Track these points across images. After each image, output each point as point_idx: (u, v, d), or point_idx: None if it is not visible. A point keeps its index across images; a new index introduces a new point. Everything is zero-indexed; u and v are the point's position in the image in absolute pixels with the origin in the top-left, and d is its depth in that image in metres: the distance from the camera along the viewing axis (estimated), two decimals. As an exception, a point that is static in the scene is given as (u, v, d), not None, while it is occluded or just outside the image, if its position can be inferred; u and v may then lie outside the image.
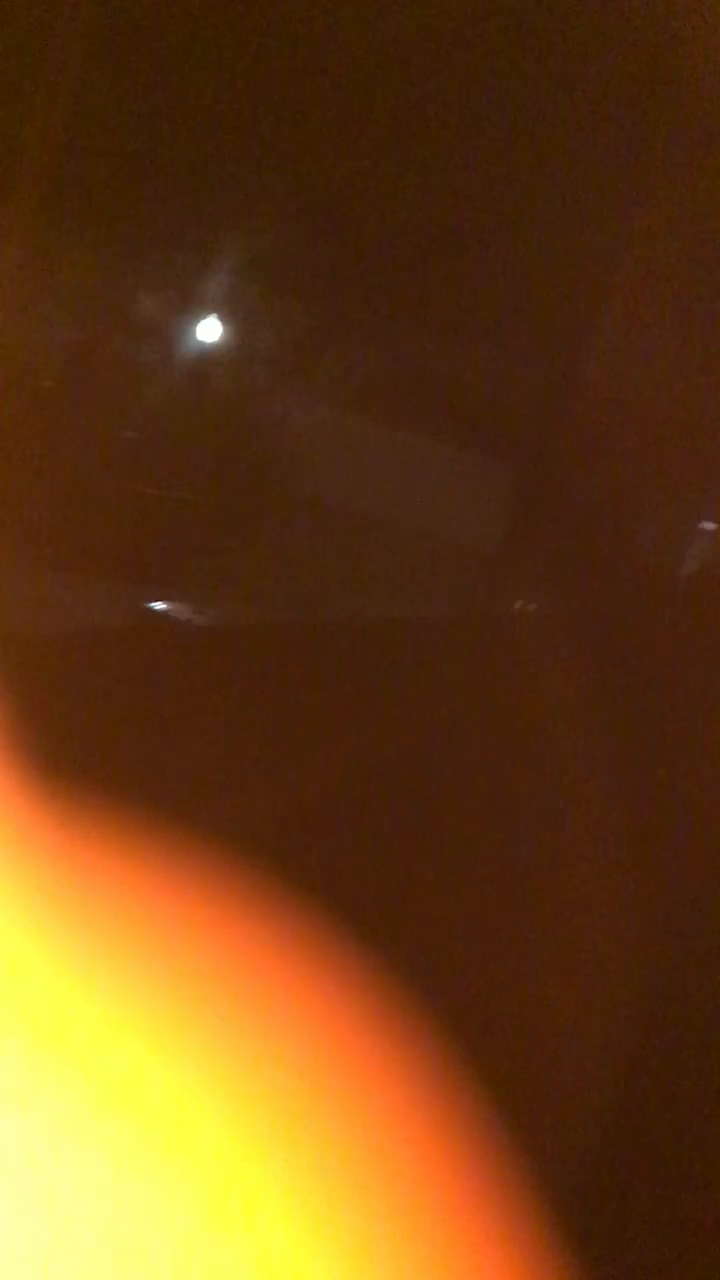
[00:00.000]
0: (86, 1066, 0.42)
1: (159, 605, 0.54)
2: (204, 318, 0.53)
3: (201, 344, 0.54)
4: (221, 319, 0.54)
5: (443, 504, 0.55)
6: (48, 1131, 0.40)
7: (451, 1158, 0.44)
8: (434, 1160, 0.44)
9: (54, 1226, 0.39)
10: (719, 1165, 0.46)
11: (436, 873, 0.51)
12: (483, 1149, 0.45)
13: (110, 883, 0.45)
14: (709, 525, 0.53)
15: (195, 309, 0.53)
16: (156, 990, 0.44)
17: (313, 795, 0.48)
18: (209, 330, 0.54)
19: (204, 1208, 0.41)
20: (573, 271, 0.53)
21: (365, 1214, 0.42)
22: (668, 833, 0.50)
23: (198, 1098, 0.42)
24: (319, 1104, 0.43)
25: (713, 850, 0.50)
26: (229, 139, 0.53)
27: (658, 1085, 0.48)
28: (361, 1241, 0.42)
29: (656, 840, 0.50)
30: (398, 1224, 0.43)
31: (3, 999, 0.42)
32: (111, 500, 0.53)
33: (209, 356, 0.54)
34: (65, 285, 0.53)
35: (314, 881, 0.45)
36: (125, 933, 0.45)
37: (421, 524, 0.55)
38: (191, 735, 0.48)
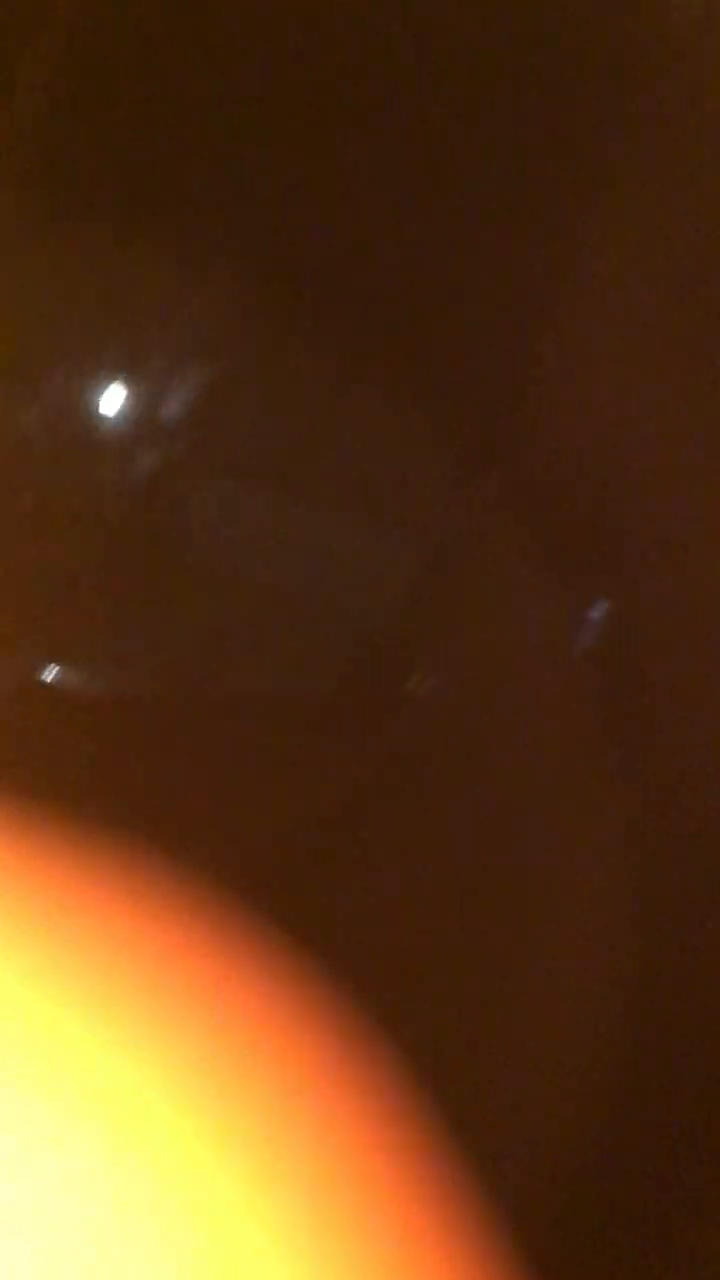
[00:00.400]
0: (75, 1091, 0.43)
1: (50, 675, 0.53)
2: (106, 386, 0.53)
3: (103, 413, 0.53)
4: (124, 388, 0.53)
5: (343, 580, 0.55)
6: (37, 1158, 0.42)
7: (436, 1194, 0.45)
8: (422, 1197, 0.45)
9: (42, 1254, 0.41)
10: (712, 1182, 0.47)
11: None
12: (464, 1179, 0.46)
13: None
14: (598, 610, 0.53)
15: (98, 376, 0.53)
16: (136, 1012, 0.45)
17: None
18: (111, 399, 0.53)
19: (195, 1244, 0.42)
20: (502, 354, 0.52)
21: (355, 1245, 0.43)
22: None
23: (186, 1129, 0.43)
24: (307, 1134, 0.44)
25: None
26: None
27: (649, 1099, 0.49)
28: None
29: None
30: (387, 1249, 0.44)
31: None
32: (4, 567, 0.53)
33: (109, 426, 0.53)
34: None
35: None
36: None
37: (320, 599, 0.55)
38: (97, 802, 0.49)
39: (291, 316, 0.53)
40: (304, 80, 0.49)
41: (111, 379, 0.54)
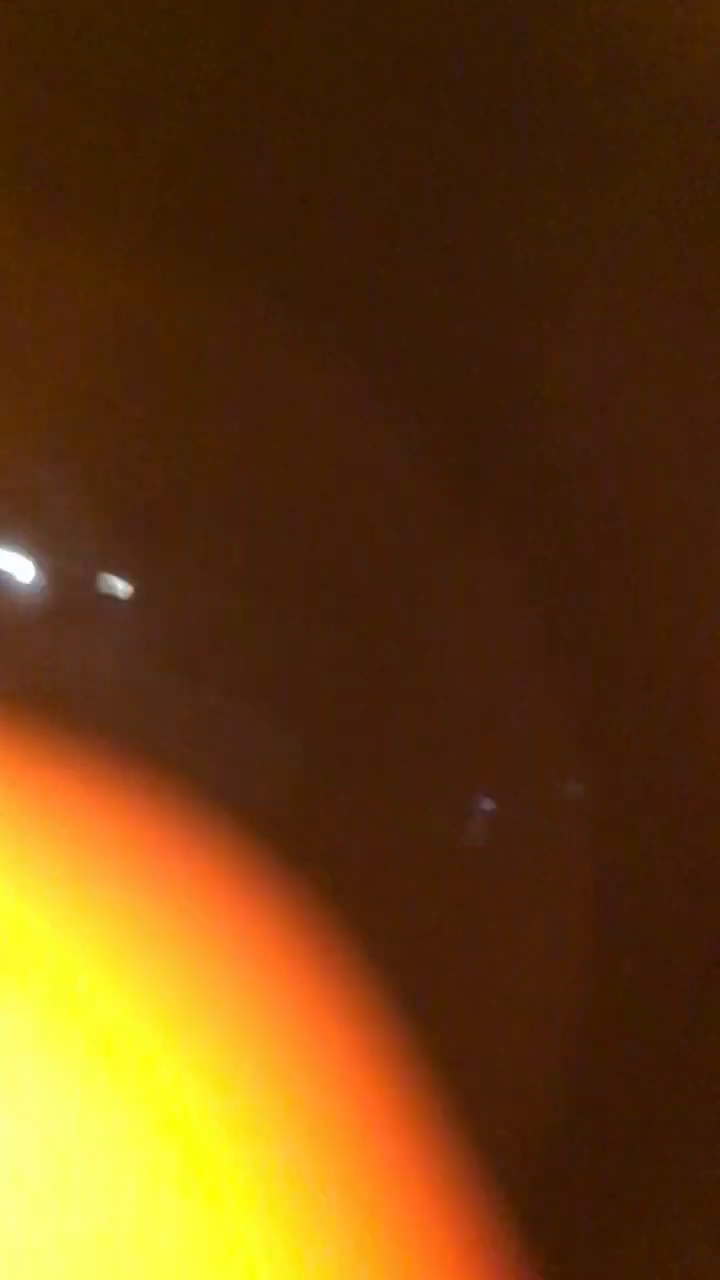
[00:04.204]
0: (80, 1032, 0.42)
1: None
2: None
3: None
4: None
5: (232, 763, 0.54)
6: (39, 1097, 0.40)
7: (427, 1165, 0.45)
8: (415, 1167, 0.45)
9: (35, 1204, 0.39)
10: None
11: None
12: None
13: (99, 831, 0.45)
14: (488, 804, 0.53)
15: None
16: (147, 954, 0.44)
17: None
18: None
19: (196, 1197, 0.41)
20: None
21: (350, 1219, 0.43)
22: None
23: (189, 1074, 0.42)
24: (297, 1071, 0.44)
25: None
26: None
27: (617, 1077, 0.50)
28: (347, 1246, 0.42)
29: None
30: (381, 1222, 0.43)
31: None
32: None
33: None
34: None
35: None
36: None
37: (210, 782, 0.52)
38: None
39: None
40: (298, 75, 0.50)
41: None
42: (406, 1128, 0.46)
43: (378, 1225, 0.44)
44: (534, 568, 0.53)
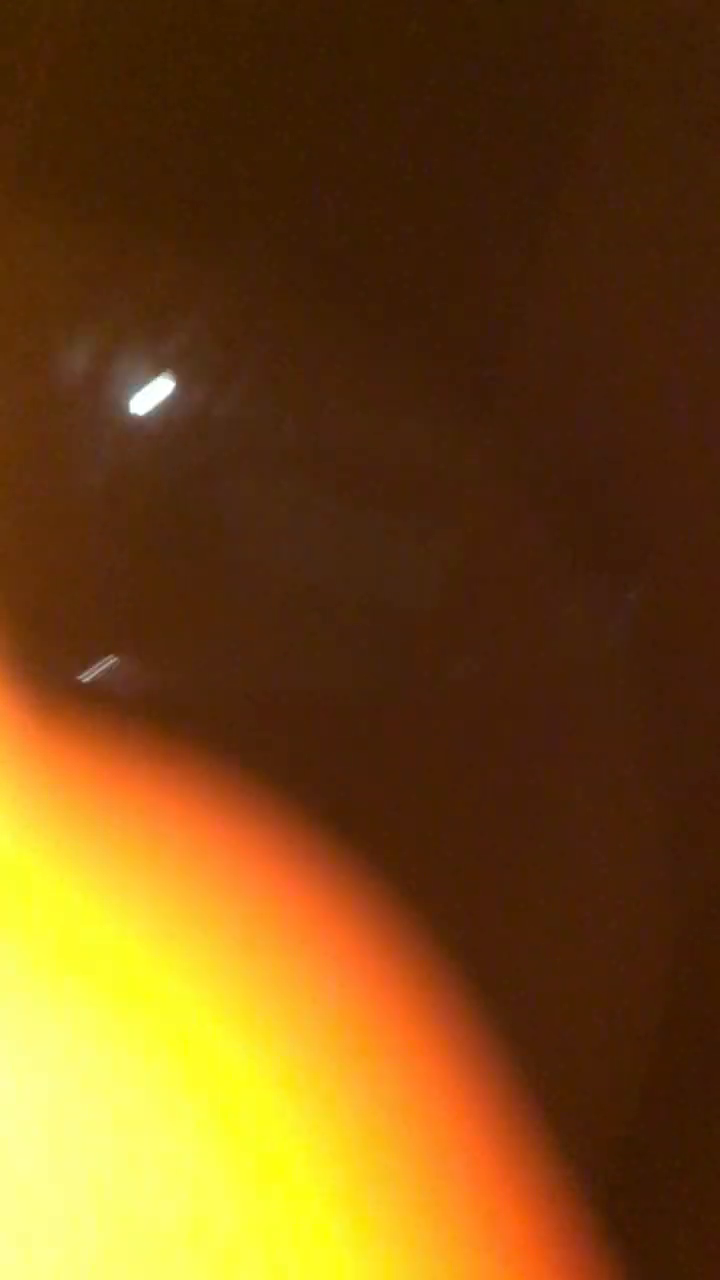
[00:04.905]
0: (93, 986, 0.42)
1: (104, 669, 0.53)
2: (152, 384, 0.54)
3: (149, 413, 0.54)
4: (171, 387, 0.54)
5: (385, 570, 0.55)
6: (53, 1051, 0.41)
7: (473, 1123, 0.45)
8: (455, 1121, 0.45)
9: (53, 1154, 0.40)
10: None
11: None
12: (504, 1114, 0.45)
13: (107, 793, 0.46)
14: (633, 593, 0.54)
15: (142, 375, 0.53)
16: (162, 905, 0.44)
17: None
18: (156, 398, 0.54)
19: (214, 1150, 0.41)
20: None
21: (383, 1180, 0.42)
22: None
23: (209, 1026, 0.43)
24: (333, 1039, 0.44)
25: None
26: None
27: (690, 1060, 0.49)
28: (376, 1212, 0.42)
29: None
30: (416, 1192, 0.43)
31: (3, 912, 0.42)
32: (54, 566, 0.53)
33: (154, 426, 0.54)
34: (11, 347, 0.53)
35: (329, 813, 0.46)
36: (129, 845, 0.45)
37: (366, 590, 0.55)
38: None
39: (309, 303, 0.54)
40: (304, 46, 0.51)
41: (142, 375, 0.55)
42: (481, 1112, 0.45)
43: (449, 1212, 0.44)
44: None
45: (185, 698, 0.54)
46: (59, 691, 0.50)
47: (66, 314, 0.54)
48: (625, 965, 0.50)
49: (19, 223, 0.53)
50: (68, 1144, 0.40)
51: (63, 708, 0.49)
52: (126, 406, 0.54)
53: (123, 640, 0.54)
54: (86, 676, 0.52)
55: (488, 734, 0.54)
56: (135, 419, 0.54)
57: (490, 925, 0.50)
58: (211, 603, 0.55)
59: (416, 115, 0.51)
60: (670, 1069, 0.49)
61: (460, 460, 0.56)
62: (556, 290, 0.53)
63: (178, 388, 0.54)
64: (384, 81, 0.50)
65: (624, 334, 0.52)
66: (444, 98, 0.50)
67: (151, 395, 0.54)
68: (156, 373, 0.54)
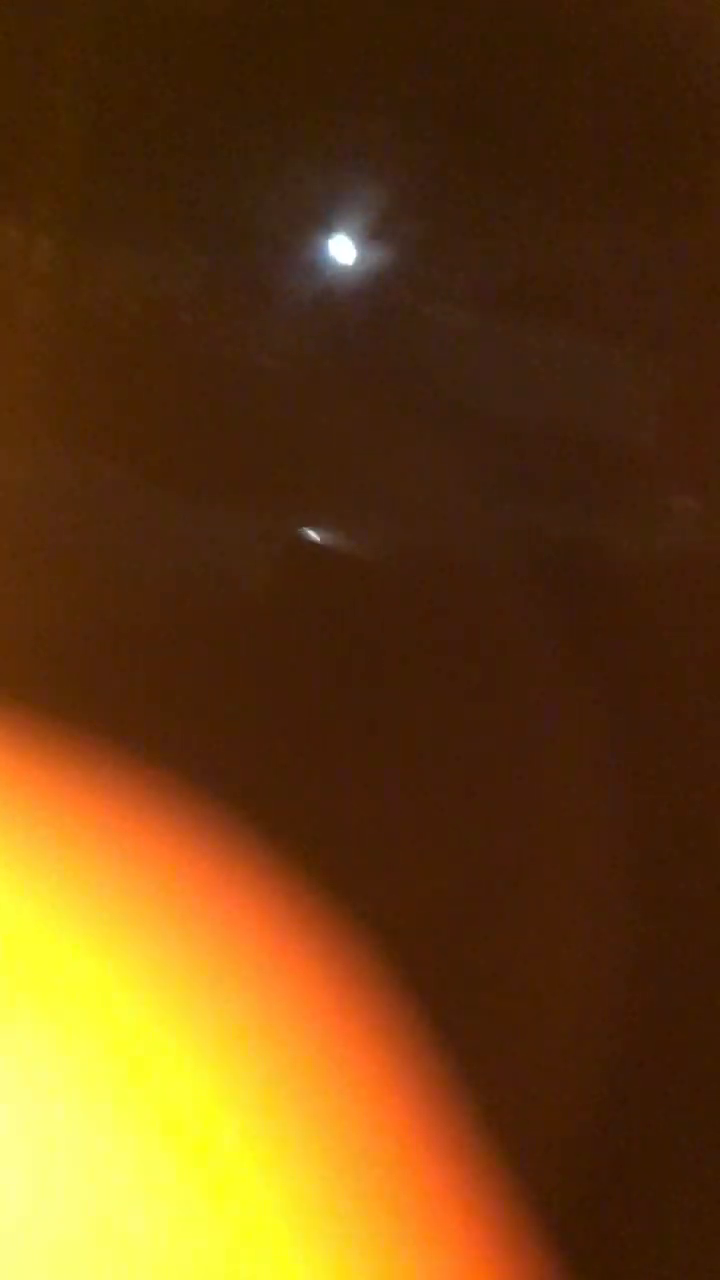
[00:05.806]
0: (81, 1026, 0.42)
1: (310, 534, 0.52)
2: (331, 236, 0.53)
3: (332, 262, 0.53)
4: (349, 235, 0.53)
5: (599, 405, 0.52)
6: (38, 1092, 0.40)
7: (439, 1150, 0.45)
8: (420, 1147, 0.44)
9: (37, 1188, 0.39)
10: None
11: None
12: (470, 1138, 0.45)
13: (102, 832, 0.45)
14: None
15: (320, 227, 0.53)
16: (149, 945, 0.44)
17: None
18: (338, 248, 0.53)
19: (190, 1180, 0.40)
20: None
21: (353, 1204, 0.42)
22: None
23: (193, 1069, 0.42)
24: (311, 1082, 0.43)
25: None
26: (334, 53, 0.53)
27: (651, 1079, 0.49)
28: (349, 1234, 0.42)
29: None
30: (385, 1212, 0.43)
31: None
32: (251, 429, 0.52)
33: (340, 275, 0.53)
34: (192, 217, 0.53)
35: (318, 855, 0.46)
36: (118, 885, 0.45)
37: (579, 427, 0.52)
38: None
39: (491, 161, 0.52)
40: None
41: (329, 226, 0.53)
42: (434, 1137, 0.45)
43: (407, 1235, 0.44)
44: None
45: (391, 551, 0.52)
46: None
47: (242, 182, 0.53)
48: (586, 985, 0.50)
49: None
50: (40, 1189, 0.39)
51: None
52: (332, 255, 0.53)
53: (318, 499, 0.52)
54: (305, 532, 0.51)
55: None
56: (317, 274, 0.53)
57: (447, 947, 0.50)
58: (416, 452, 0.53)
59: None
60: (630, 1093, 0.49)
61: (672, 275, 0.53)
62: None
63: (356, 234, 0.53)
64: None
65: None
66: None
67: (332, 246, 0.53)
68: (332, 222, 0.53)
